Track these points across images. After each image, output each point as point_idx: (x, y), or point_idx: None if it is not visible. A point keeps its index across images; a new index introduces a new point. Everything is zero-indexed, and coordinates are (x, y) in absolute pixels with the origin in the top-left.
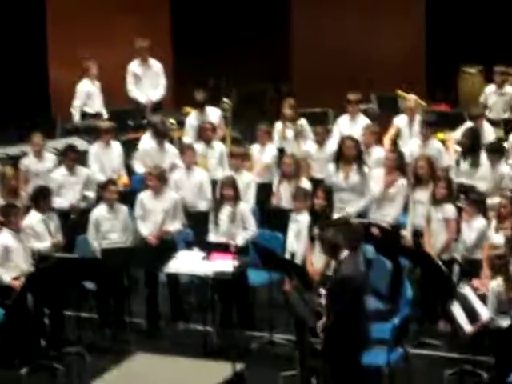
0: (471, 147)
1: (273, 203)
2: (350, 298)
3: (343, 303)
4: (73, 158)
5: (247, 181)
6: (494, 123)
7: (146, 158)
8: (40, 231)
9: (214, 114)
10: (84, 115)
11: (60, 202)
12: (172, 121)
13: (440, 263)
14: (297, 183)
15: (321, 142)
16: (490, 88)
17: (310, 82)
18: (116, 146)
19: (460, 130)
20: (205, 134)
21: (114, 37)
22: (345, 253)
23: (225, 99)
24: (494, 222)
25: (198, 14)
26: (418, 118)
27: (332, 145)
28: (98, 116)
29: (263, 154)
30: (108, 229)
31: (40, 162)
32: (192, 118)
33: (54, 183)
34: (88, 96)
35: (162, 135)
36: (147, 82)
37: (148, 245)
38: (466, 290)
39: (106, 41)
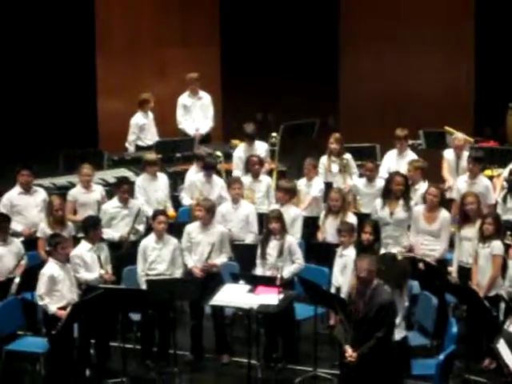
0: None
1: (318, 237)
2: (391, 324)
3: (388, 328)
4: (126, 191)
5: (294, 215)
6: None
7: (193, 190)
8: (89, 261)
9: (261, 147)
10: (138, 149)
11: (111, 233)
12: (218, 153)
13: (485, 301)
14: (342, 218)
15: (371, 177)
16: None
17: (357, 117)
18: (162, 178)
19: (508, 167)
20: (252, 167)
21: (163, 70)
22: (375, 281)
23: (273, 134)
24: None
25: (247, 47)
26: (465, 154)
27: (380, 180)
28: (149, 149)
29: (310, 187)
30: (155, 259)
31: (88, 193)
32: (240, 151)
33: (105, 215)
34: (141, 129)
35: (210, 167)
36: (197, 113)
37: (194, 277)
38: None
39: (156, 73)
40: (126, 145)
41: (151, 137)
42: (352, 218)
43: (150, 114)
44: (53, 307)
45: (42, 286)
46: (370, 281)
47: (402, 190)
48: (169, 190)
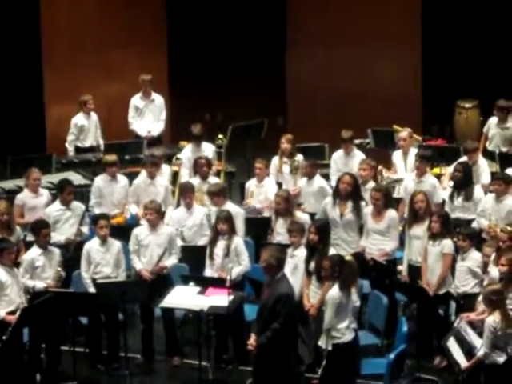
0: (463, 181)
1: (270, 239)
2: (288, 316)
3: (284, 320)
4: (69, 193)
5: (234, 213)
6: (490, 154)
7: (138, 193)
8: (40, 265)
9: (208, 148)
10: (77, 150)
11: (56, 236)
12: (179, 156)
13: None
14: (291, 219)
15: (310, 175)
16: (493, 120)
17: (305, 116)
18: (122, 180)
19: (453, 165)
20: (201, 169)
21: (110, 71)
22: (281, 273)
23: (220, 135)
24: (493, 256)
25: (194, 49)
26: (412, 152)
27: (332, 180)
28: (91, 150)
29: (261, 188)
30: (99, 262)
31: (36, 197)
32: (187, 151)
33: (49, 218)
34: (81, 130)
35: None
36: (149, 115)
37: (143, 279)
38: (461, 324)
39: (102, 76)
40: (66, 145)
41: (92, 138)
42: (304, 218)
43: (93, 116)
44: (1, 312)
45: None
46: (275, 271)
47: (349, 189)
48: (128, 191)
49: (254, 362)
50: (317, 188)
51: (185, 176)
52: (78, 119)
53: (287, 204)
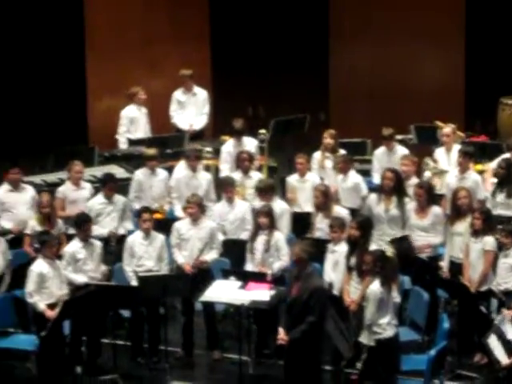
0: (506, 178)
1: (310, 234)
2: (322, 309)
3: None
4: (111, 187)
5: (280, 210)
6: None
7: (180, 188)
8: (81, 258)
9: (250, 143)
10: (129, 142)
11: (98, 230)
12: (208, 149)
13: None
14: (328, 214)
15: (344, 171)
16: None
17: (347, 112)
18: (162, 174)
19: (496, 160)
20: (243, 163)
21: (153, 66)
22: (310, 267)
23: (261, 130)
24: None
25: (237, 44)
26: (455, 148)
27: (375, 177)
28: (141, 143)
29: (304, 183)
30: (142, 255)
31: (77, 190)
32: (228, 146)
33: (91, 212)
34: (131, 122)
35: (192, 161)
36: (191, 109)
37: (184, 273)
38: (503, 321)
39: (145, 71)
40: (116, 136)
41: (142, 131)
42: (342, 212)
43: (143, 109)
44: (41, 305)
45: (30, 284)
46: (305, 265)
47: (391, 185)
48: (167, 185)
49: (286, 356)
50: (351, 184)
51: (225, 171)
52: (128, 111)
53: (326, 198)
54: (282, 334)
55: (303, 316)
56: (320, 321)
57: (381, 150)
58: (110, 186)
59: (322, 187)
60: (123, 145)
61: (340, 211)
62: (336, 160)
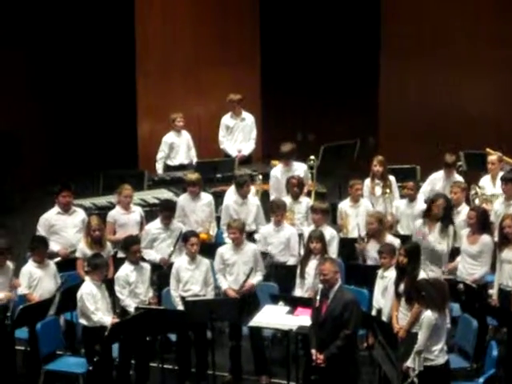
0: None
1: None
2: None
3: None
4: (169, 216)
5: (329, 236)
6: None
7: (230, 213)
8: (133, 281)
9: (300, 168)
10: (166, 168)
11: (153, 254)
12: (259, 176)
13: None
14: (380, 240)
15: (411, 197)
16: None
17: (396, 138)
18: (206, 198)
19: None
20: (292, 188)
21: (202, 91)
22: (338, 283)
23: (311, 156)
24: None
25: (287, 68)
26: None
27: (421, 201)
28: (181, 168)
29: (357, 209)
30: (188, 280)
31: (127, 214)
32: (277, 171)
33: (148, 236)
34: (171, 148)
35: (241, 187)
36: (239, 134)
37: (231, 298)
38: None
39: (194, 95)
40: (156, 164)
41: (182, 156)
42: (394, 240)
43: (185, 134)
44: (108, 319)
45: (89, 304)
46: (334, 283)
47: (440, 213)
48: (213, 209)
49: (323, 375)
50: (418, 211)
51: (273, 195)
52: (169, 137)
53: (380, 225)
54: (316, 355)
55: (337, 331)
56: (354, 334)
57: (439, 175)
58: (167, 214)
59: (378, 214)
60: (160, 170)
61: (392, 240)
62: (386, 187)
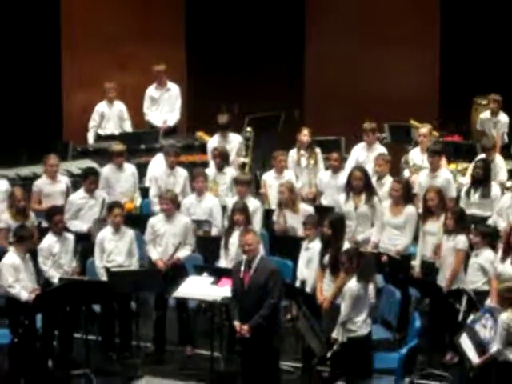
0: (482, 178)
1: (276, 230)
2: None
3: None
4: (93, 182)
5: (253, 207)
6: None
7: (158, 184)
8: (56, 252)
9: (235, 139)
10: (97, 137)
11: (78, 225)
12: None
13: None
14: (294, 209)
15: (336, 168)
16: (485, 115)
17: (321, 110)
18: (130, 168)
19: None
20: (215, 159)
21: (129, 63)
22: (260, 254)
23: (248, 128)
24: (499, 252)
25: (213, 40)
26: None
27: (345, 174)
28: (112, 138)
29: (281, 180)
30: (112, 251)
31: (53, 184)
32: (213, 141)
33: (72, 206)
34: (101, 117)
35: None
36: (164, 105)
37: (156, 269)
38: (475, 321)
39: (121, 67)
40: (88, 133)
41: (113, 127)
42: (309, 209)
43: (118, 105)
44: (25, 294)
45: (8, 276)
46: (256, 252)
47: (360, 184)
48: (136, 180)
49: (251, 346)
50: (342, 183)
51: (211, 167)
52: (100, 106)
53: (291, 194)
54: (240, 326)
55: (261, 301)
56: (278, 304)
57: (360, 146)
58: (91, 181)
59: (289, 184)
60: (91, 139)
61: (306, 208)
62: (311, 157)
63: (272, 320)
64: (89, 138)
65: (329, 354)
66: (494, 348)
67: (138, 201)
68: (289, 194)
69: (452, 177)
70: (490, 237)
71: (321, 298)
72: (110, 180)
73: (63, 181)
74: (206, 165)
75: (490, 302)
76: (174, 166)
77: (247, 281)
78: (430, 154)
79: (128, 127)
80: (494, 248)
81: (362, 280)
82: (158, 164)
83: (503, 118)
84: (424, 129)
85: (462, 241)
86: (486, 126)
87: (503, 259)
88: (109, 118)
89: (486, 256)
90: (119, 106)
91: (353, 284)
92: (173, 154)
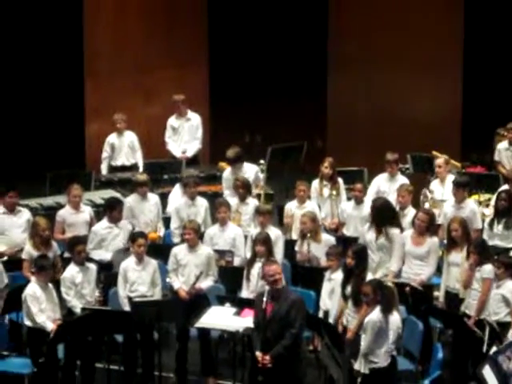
0: (506, 209)
1: (298, 260)
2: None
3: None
4: (119, 212)
5: (275, 237)
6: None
7: (181, 215)
8: (79, 282)
9: (250, 170)
10: (111, 168)
11: (102, 254)
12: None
13: (473, 327)
14: (316, 239)
15: (359, 199)
16: (503, 145)
17: (344, 140)
18: (153, 198)
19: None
20: (237, 190)
21: (151, 92)
22: (283, 284)
23: (261, 161)
24: None
25: (235, 70)
26: (449, 178)
27: (368, 204)
28: (123, 169)
29: (303, 210)
30: (135, 280)
31: (77, 214)
32: (227, 173)
33: (96, 236)
34: (112, 148)
35: (188, 187)
36: (184, 135)
37: (179, 299)
38: (498, 352)
39: (143, 95)
40: (101, 164)
41: (123, 157)
42: (330, 239)
43: (129, 135)
44: (50, 324)
45: (32, 306)
46: (280, 283)
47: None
48: (160, 210)
49: (269, 377)
50: (366, 213)
51: (227, 197)
52: (111, 138)
53: (313, 224)
54: (261, 357)
55: (283, 331)
56: (301, 334)
57: (381, 176)
58: (117, 210)
59: (311, 213)
60: (104, 171)
61: (328, 238)
62: (334, 189)
63: (294, 350)
64: (102, 170)
65: None
66: None
67: (162, 231)
68: (311, 224)
69: (478, 208)
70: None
71: (341, 329)
72: (134, 210)
73: (87, 211)
74: (221, 196)
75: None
76: (194, 197)
77: (269, 311)
78: (455, 187)
79: (139, 157)
80: None
81: (385, 312)
82: (177, 195)
83: None
84: (440, 159)
85: (487, 269)
86: (503, 155)
87: None
88: (120, 149)
89: (508, 287)
90: (130, 137)
91: (374, 315)
92: (192, 185)
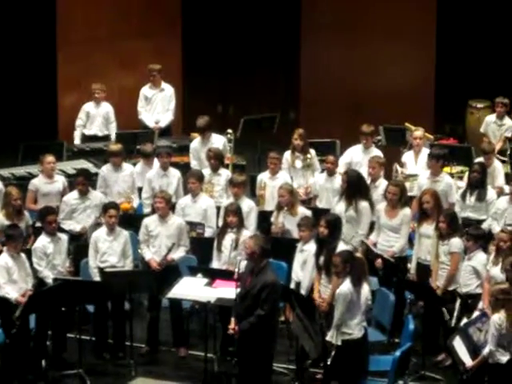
0: (479, 181)
1: (273, 232)
2: (273, 304)
3: (270, 308)
4: (83, 183)
5: (248, 208)
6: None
7: (153, 186)
8: (50, 253)
9: (218, 141)
10: (83, 136)
11: (72, 225)
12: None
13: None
14: (292, 212)
15: (331, 171)
16: (491, 118)
17: (316, 111)
18: (128, 169)
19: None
20: (209, 161)
21: (123, 62)
22: (265, 260)
23: (229, 130)
24: (492, 256)
25: (209, 41)
26: (424, 151)
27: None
28: (96, 139)
29: (275, 181)
30: (106, 251)
31: (50, 183)
32: (195, 143)
33: (66, 206)
34: (87, 117)
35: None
36: (157, 105)
37: (150, 270)
38: (469, 324)
39: (117, 65)
40: (74, 131)
41: (97, 127)
42: (306, 212)
43: (105, 106)
44: (14, 294)
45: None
46: (258, 259)
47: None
48: (135, 180)
49: (236, 348)
50: (338, 185)
51: (195, 167)
52: (87, 106)
53: (291, 197)
54: (232, 324)
55: (253, 309)
56: (271, 316)
57: (355, 147)
58: (83, 182)
59: (289, 186)
60: (77, 138)
61: (304, 211)
62: (305, 161)
63: (264, 327)
64: (75, 137)
65: (329, 362)
66: (486, 349)
67: (136, 201)
68: (289, 197)
69: (453, 182)
70: (482, 240)
71: (319, 300)
72: (108, 180)
73: (60, 180)
74: (189, 166)
75: (482, 305)
76: (166, 167)
77: (248, 284)
78: (431, 159)
79: (113, 129)
80: (486, 251)
81: (355, 283)
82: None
83: (508, 121)
84: (419, 132)
85: (456, 243)
86: (490, 128)
87: (495, 262)
88: (94, 118)
89: (478, 259)
90: (106, 108)
91: (345, 287)
92: (165, 155)
